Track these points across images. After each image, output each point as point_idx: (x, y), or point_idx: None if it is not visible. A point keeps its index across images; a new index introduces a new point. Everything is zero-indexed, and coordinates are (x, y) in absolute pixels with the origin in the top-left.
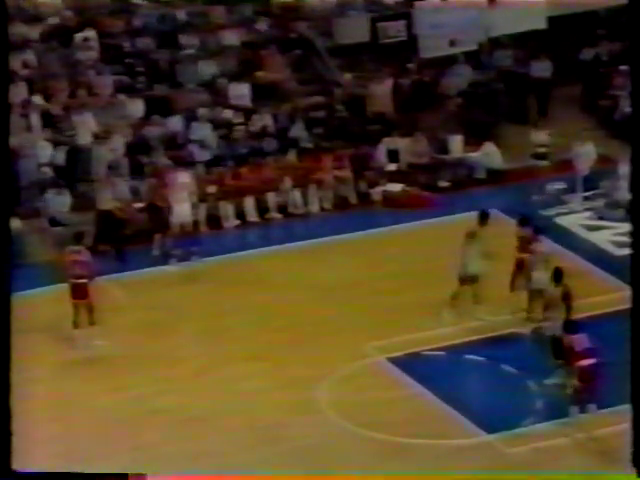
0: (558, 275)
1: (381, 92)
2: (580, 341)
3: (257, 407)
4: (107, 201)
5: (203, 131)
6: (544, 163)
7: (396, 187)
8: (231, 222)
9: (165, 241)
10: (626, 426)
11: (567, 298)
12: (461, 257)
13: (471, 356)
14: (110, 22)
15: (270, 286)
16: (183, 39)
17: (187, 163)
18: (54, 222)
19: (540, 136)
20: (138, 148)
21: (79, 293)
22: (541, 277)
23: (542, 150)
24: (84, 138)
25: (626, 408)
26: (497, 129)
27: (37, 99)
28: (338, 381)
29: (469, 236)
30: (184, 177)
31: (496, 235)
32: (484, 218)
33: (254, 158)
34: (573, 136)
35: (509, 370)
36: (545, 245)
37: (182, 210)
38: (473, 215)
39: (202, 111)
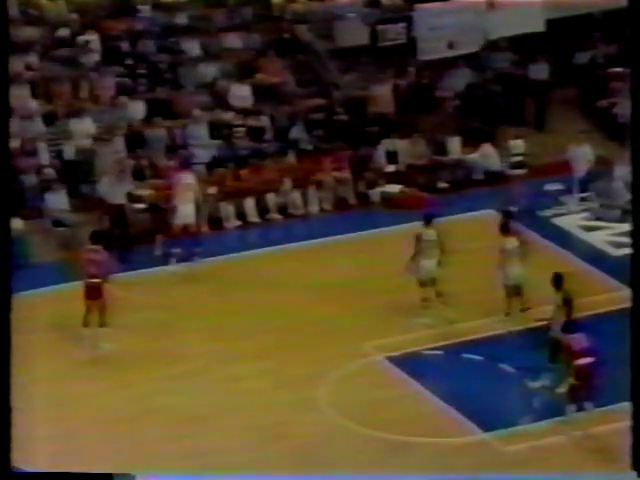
0: (558, 280)
1: (381, 93)
2: (578, 340)
3: (257, 406)
4: (119, 196)
5: (201, 133)
6: (521, 172)
7: (395, 188)
8: (232, 223)
9: (167, 241)
10: (623, 424)
11: (568, 304)
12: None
13: (469, 355)
14: (112, 25)
15: (270, 286)
16: (184, 42)
17: (188, 164)
18: (57, 223)
19: (517, 147)
20: (139, 150)
21: (92, 293)
22: (515, 272)
23: (519, 159)
24: (85, 140)
25: (623, 406)
26: (495, 131)
27: (40, 101)
28: (338, 380)
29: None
30: (188, 178)
31: (494, 236)
32: (429, 220)
33: (254, 159)
34: (570, 138)
35: (507, 369)
36: (515, 241)
37: (186, 211)
38: (472, 216)
39: (199, 112)
